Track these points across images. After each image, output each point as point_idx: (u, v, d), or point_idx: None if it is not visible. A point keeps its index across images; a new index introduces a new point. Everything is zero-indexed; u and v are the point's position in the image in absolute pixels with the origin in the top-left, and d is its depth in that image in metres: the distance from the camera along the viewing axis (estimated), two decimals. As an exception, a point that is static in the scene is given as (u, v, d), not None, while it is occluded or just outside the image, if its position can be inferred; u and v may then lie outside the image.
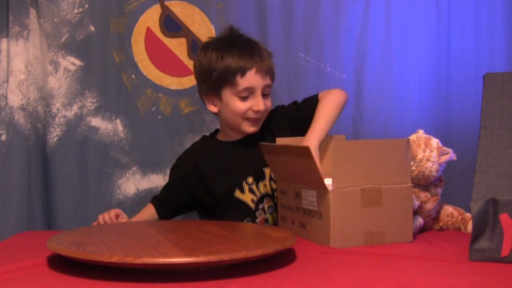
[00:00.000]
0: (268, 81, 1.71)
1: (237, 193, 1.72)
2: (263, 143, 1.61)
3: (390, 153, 1.43)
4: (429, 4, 2.05)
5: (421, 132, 1.58)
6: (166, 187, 1.85)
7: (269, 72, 1.71)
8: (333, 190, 1.38)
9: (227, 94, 1.70)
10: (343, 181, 1.39)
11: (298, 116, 1.76)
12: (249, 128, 1.72)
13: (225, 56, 1.68)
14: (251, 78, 1.67)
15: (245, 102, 1.69)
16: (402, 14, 2.05)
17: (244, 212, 1.72)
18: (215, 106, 1.74)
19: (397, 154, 1.43)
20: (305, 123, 1.70)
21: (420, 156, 1.53)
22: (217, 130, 1.85)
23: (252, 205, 1.73)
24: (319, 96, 1.74)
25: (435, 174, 1.54)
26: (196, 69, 1.77)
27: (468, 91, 2.05)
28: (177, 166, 1.81)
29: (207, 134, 1.89)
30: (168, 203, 1.80)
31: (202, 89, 1.75)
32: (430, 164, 1.53)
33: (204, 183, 1.75)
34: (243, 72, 1.66)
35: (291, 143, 1.57)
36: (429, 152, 1.53)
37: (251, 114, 1.70)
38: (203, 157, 1.77)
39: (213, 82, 1.70)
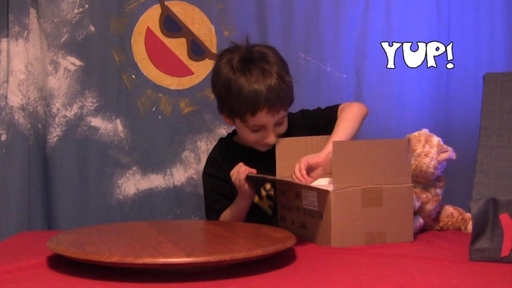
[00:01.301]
0: (281, 114, 1.63)
1: (255, 199, 1.70)
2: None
3: (390, 153, 1.43)
4: (429, 4, 2.05)
5: (424, 130, 1.59)
6: (212, 197, 1.75)
7: (283, 106, 1.63)
8: (333, 190, 1.38)
9: (238, 123, 1.66)
10: (343, 181, 1.39)
11: (316, 123, 1.74)
12: (262, 149, 1.69)
13: (237, 85, 1.59)
14: (261, 118, 1.61)
15: (256, 134, 1.65)
16: (402, 14, 2.05)
17: (261, 218, 1.69)
18: (229, 120, 1.70)
19: (398, 154, 1.43)
20: (321, 131, 1.68)
21: (418, 150, 1.53)
22: (235, 131, 1.79)
23: (270, 211, 1.72)
24: (340, 107, 1.71)
25: (432, 170, 1.54)
26: (212, 80, 1.70)
27: (468, 91, 2.05)
28: (209, 173, 1.76)
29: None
30: (227, 203, 1.72)
31: (217, 103, 1.70)
32: (428, 159, 1.52)
33: (227, 186, 1.72)
34: (253, 112, 1.59)
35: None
36: (429, 148, 1.53)
37: (262, 142, 1.66)
38: (224, 162, 1.73)
39: (225, 107, 1.65)
